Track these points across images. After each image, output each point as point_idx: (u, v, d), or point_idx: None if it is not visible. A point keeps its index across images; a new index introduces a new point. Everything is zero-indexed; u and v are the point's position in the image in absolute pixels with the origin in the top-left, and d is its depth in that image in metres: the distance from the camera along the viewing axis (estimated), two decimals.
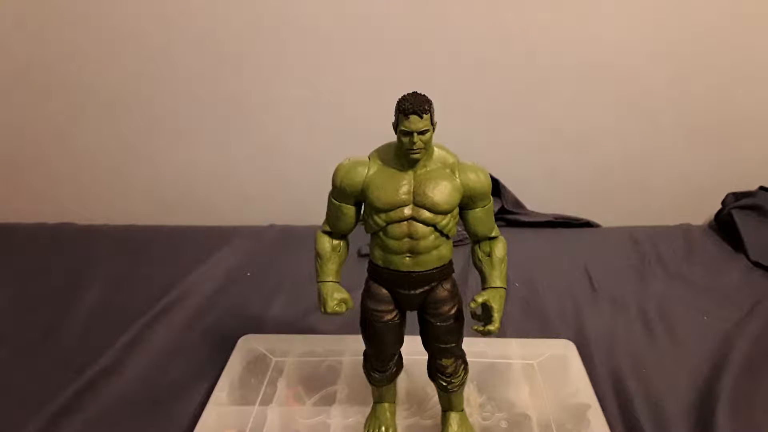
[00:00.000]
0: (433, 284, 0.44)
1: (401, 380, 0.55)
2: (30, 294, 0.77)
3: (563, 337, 0.64)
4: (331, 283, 0.44)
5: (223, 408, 0.54)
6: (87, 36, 0.88)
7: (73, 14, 0.86)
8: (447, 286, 0.44)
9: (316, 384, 0.57)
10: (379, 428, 0.50)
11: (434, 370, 0.48)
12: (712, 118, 0.91)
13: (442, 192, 0.40)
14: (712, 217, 0.95)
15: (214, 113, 0.93)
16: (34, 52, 0.89)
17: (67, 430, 0.55)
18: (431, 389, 0.52)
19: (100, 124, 0.95)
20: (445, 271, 0.44)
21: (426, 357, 0.48)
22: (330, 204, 0.44)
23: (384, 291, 0.44)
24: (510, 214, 0.94)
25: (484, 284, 0.43)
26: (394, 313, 0.45)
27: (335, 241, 0.45)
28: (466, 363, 0.48)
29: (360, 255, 0.70)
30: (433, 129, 0.39)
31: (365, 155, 0.43)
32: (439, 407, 0.51)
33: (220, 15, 0.85)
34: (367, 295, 0.45)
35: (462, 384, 0.48)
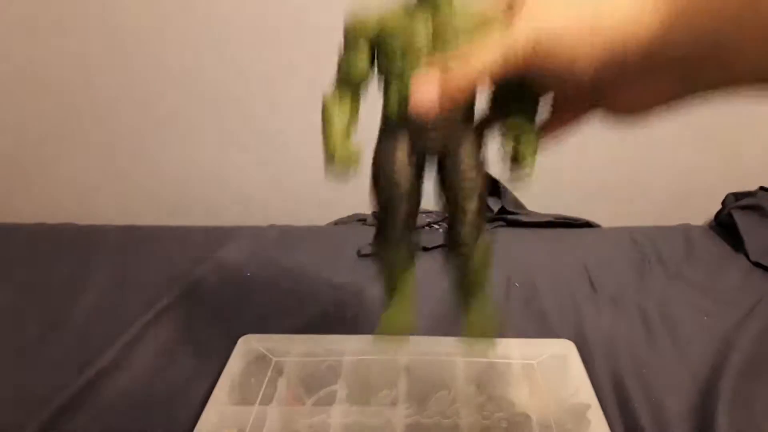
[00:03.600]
0: (456, 130, 0.37)
1: (401, 380, 0.55)
2: (30, 294, 0.77)
3: (563, 337, 0.64)
4: (340, 135, 0.37)
5: (223, 408, 0.54)
6: (87, 36, 0.88)
7: (73, 14, 0.86)
8: (470, 130, 0.38)
9: (316, 384, 0.57)
10: (393, 325, 0.43)
11: (453, 235, 0.40)
12: (712, 118, 0.92)
13: (463, 36, 0.34)
14: (712, 217, 0.95)
15: (214, 113, 0.93)
16: (34, 51, 0.89)
17: (67, 430, 0.55)
18: (432, 389, 0.52)
19: (100, 124, 0.95)
20: (467, 113, 0.38)
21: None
22: (340, 55, 0.38)
23: (401, 137, 0.37)
24: (510, 214, 0.94)
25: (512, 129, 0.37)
26: (410, 155, 0.38)
27: (345, 96, 0.38)
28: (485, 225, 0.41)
29: (360, 255, 0.69)
30: None
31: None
32: (440, 406, 0.50)
33: (220, 15, 0.85)
34: (380, 139, 0.38)
35: (487, 252, 0.41)
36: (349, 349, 0.60)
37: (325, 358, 0.60)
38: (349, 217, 0.96)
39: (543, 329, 0.68)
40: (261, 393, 0.56)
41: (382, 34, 0.36)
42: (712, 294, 0.75)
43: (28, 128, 0.96)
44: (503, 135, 0.37)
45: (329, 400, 0.55)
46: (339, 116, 0.38)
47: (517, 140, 0.36)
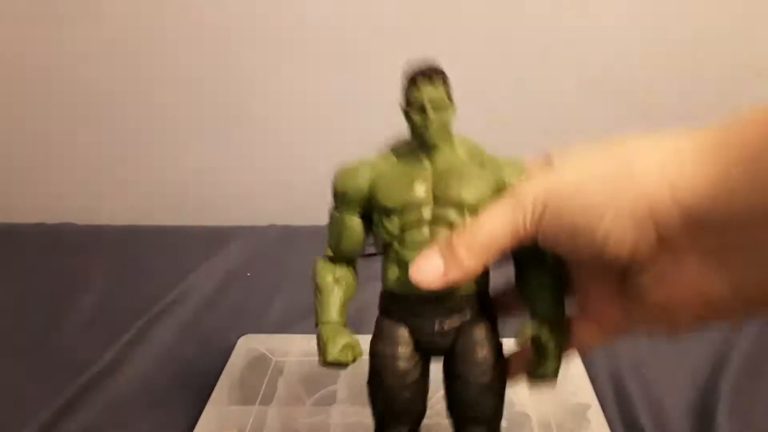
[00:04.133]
0: (467, 317, 0.32)
1: None
2: (30, 294, 0.77)
3: None
4: (333, 324, 0.33)
5: (223, 408, 0.54)
6: (87, 36, 0.88)
7: (72, 13, 0.86)
8: (486, 319, 0.32)
9: (316, 384, 0.57)
10: None
11: None
12: (712, 118, 0.91)
13: (469, 183, 0.30)
14: None
15: (214, 113, 0.93)
16: (34, 52, 0.89)
17: (67, 430, 0.55)
18: (432, 389, 0.52)
19: (100, 124, 0.95)
20: (481, 297, 0.33)
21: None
22: (331, 219, 0.34)
23: (401, 329, 0.33)
24: None
25: (534, 312, 0.31)
26: (415, 360, 0.33)
27: (339, 270, 0.34)
28: None
29: (364, 255, 0.65)
30: (452, 103, 0.31)
31: (358, 155, 0.35)
32: (440, 406, 0.47)
33: (220, 15, 0.85)
34: (378, 336, 0.34)
35: None
36: None
37: None
38: None
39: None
40: (261, 393, 0.56)
41: (375, 191, 0.31)
42: None
43: (28, 128, 0.96)
44: (521, 328, 0.30)
45: (329, 400, 0.55)
46: (334, 299, 0.33)
47: (537, 337, 0.30)
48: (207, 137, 0.96)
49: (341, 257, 0.35)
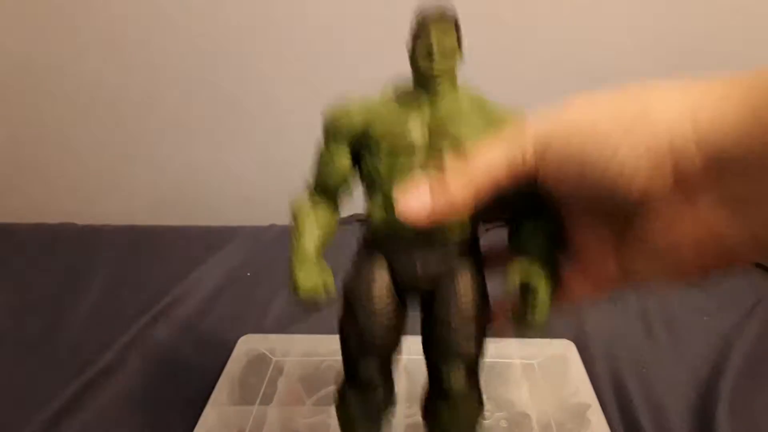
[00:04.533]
0: (453, 262, 0.31)
1: (401, 380, 0.55)
2: (30, 294, 0.77)
3: (563, 337, 0.64)
4: (306, 256, 0.32)
5: (223, 408, 0.54)
6: (87, 36, 0.88)
7: (72, 13, 0.86)
8: (472, 261, 0.31)
9: (316, 384, 0.57)
10: None
11: (435, 396, 0.34)
12: None
13: (469, 126, 0.28)
14: None
15: (214, 113, 0.93)
16: (34, 52, 0.89)
17: (67, 430, 0.55)
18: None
19: (100, 124, 0.95)
20: (470, 244, 0.32)
21: None
22: (318, 153, 0.32)
23: (381, 268, 0.31)
24: None
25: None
26: (391, 297, 0.31)
27: (319, 204, 0.33)
28: (479, 389, 0.33)
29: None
30: (461, 51, 0.29)
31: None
32: None
33: (220, 15, 0.85)
34: (355, 271, 0.32)
35: (473, 422, 0.33)
36: None
37: (325, 358, 0.60)
38: (348, 217, 0.96)
39: (543, 329, 0.68)
40: (261, 393, 0.56)
41: (369, 128, 0.30)
42: (711, 294, 0.75)
43: (28, 128, 0.96)
44: (510, 273, 0.29)
45: (329, 400, 0.55)
46: (310, 232, 0.32)
47: (526, 283, 0.28)
48: (207, 137, 0.96)
49: (324, 192, 0.33)
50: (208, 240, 0.89)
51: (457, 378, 0.32)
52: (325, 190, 0.33)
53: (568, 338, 0.63)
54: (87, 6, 0.85)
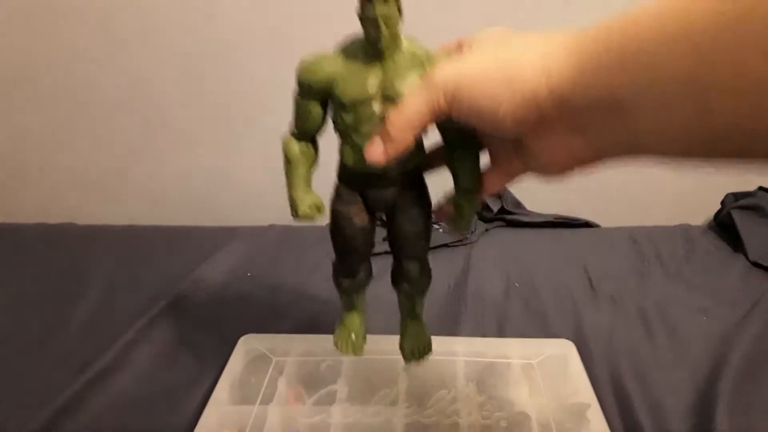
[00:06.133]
0: (404, 185, 0.42)
1: (401, 380, 0.55)
2: (30, 294, 0.77)
3: (563, 337, 0.64)
4: (302, 187, 0.41)
5: (223, 408, 0.54)
6: (87, 36, 0.88)
7: (73, 14, 0.86)
8: (418, 187, 0.42)
9: (317, 384, 0.57)
10: (348, 335, 0.49)
11: (398, 276, 0.47)
12: None
13: (411, 83, 0.36)
14: (712, 217, 0.95)
15: (214, 113, 0.94)
16: (34, 52, 0.90)
17: (67, 430, 0.55)
18: (432, 388, 0.52)
19: (100, 125, 0.95)
20: (418, 171, 0.42)
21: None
22: (295, 104, 0.41)
23: (354, 193, 0.42)
24: (510, 213, 0.94)
25: (456, 183, 0.41)
26: (364, 216, 0.42)
27: (304, 144, 0.42)
28: (429, 269, 0.47)
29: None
30: (400, 14, 0.36)
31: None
32: (440, 406, 0.51)
33: (220, 15, 0.86)
34: (337, 198, 0.43)
35: (424, 291, 0.48)
36: None
37: (325, 357, 0.60)
38: None
39: (543, 329, 0.68)
40: (261, 393, 0.56)
41: (333, 85, 0.38)
42: (711, 294, 0.75)
43: (28, 128, 0.96)
44: (447, 197, 0.41)
45: (329, 400, 0.55)
46: (301, 166, 0.41)
47: (457, 202, 0.40)
48: (207, 138, 0.96)
49: (305, 135, 0.42)
50: (208, 240, 0.89)
51: (412, 267, 0.45)
52: (305, 132, 0.42)
53: (568, 338, 0.64)
54: (87, 7, 0.85)
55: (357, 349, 0.49)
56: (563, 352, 0.61)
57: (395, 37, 0.36)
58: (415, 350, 0.49)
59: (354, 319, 0.50)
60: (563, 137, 0.31)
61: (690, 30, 0.23)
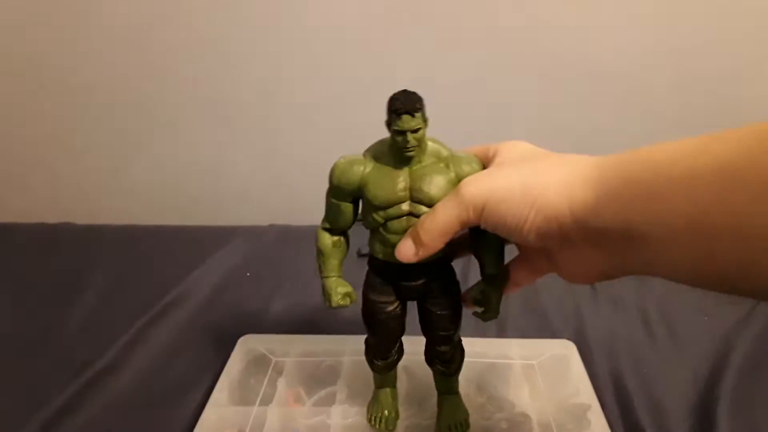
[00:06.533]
0: (433, 276, 0.44)
1: (401, 381, 0.55)
2: (30, 294, 0.77)
3: (563, 337, 0.64)
4: (334, 278, 0.45)
5: (223, 408, 0.54)
6: (87, 36, 0.88)
7: (72, 13, 0.86)
8: (446, 276, 0.45)
9: (316, 384, 0.57)
10: (382, 412, 0.51)
11: (432, 356, 0.49)
12: (713, 118, 0.92)
13: (437, 186, 0.40)
14: None
15: (214, 113, 0.93)
16: (33, 51, 0.89)
17: (67, 430, 0.55)
18: (431, 389, 0.52)
19: (100, 124, 0.95)
20: (444, 262, 0.45)
21: (422, 352, 0.49)
22: (328, 202, 0.44)
23: (385, 283, 0.45)
24: None
25: (482, 270, 0.44)
26: (396, 304, 0.46)
27: (335, 237, 0.45)
28: (462, 349, 0.49)
29: (360, 255, 0.70)
30: (426, 125, 0.39)
31: (359, 153, 0.42)
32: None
33: (220, 15, 0.85)
34: (369, 287, 0.46)
35: (458, 369, 0.50)
36: (349, 349, 0.60)
37: (325, 358, 0.60)
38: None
39: (543, 329, 0.68)
40: (261, 393, 0.56)
41: (364, 188, 0.41)
42: (711, 294, 0.74)
43: (28, 128, 0.96)
44: (475, 289, 0.44)
45: (329, 401, 0.55)
46: (333, 258, 0.45)
47: (483, 284, 0.43)
48: (207, 137, 0.96)
49: (335, 229, 0.45)
50: (208, 240, 0.89)
51: (444, 348, 0.48)
52: (338, 226, 0.44)
53: (568, 338, 0.63)
54: (88, 7, 0.85)
55: (390, 425, 0.51)
56: (564, 352, 0.61)
57: (420, 145, 0.39)
58: (452, 427, 0.50)
59: (387, 396, 0.52)
60: (585, 252, 0.34)
61: (690, 174, 0.25)
